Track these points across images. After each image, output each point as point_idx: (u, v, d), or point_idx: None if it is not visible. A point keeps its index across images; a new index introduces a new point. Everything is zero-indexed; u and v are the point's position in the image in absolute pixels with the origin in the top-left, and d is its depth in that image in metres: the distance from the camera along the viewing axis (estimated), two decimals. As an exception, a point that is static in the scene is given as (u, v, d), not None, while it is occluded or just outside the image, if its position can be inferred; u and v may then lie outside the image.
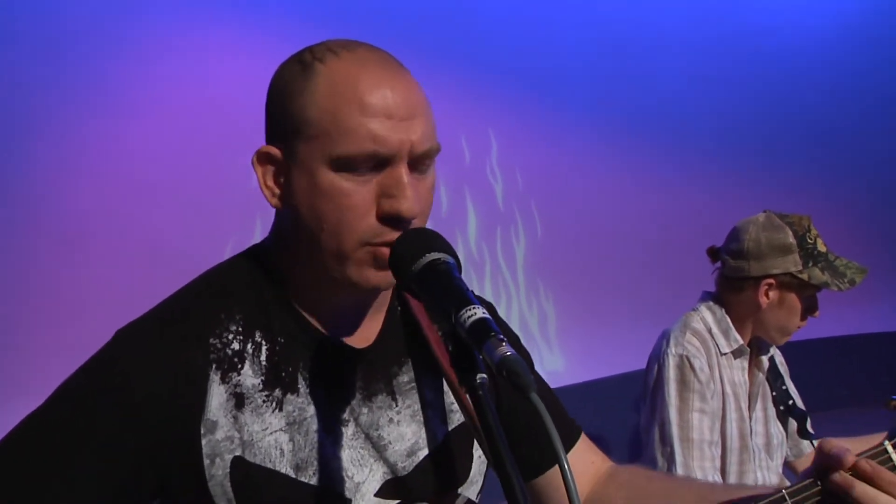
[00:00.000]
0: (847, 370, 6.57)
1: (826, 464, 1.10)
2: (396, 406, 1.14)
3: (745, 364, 2.39)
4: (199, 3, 4.39)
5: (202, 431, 1.02)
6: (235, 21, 4.46)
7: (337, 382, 1.10)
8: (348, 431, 1.09)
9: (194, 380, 1.03)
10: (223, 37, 4.38)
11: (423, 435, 1.15)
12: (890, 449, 1.11)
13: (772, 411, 2.43)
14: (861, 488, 1.07)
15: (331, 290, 1.07)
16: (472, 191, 5.48)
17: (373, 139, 0.99)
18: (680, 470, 2.18)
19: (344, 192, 1.00)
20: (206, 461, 1.02)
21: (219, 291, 1.09)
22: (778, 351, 2.52)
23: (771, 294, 2.29)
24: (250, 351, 1.07)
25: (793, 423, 2.46)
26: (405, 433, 1.14)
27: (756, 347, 2.40)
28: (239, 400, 1.04)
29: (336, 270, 1.04)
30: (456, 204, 5.35)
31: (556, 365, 5.55)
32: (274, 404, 1.06)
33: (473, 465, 1.19)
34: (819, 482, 1.10)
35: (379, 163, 1.00)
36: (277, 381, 1.07)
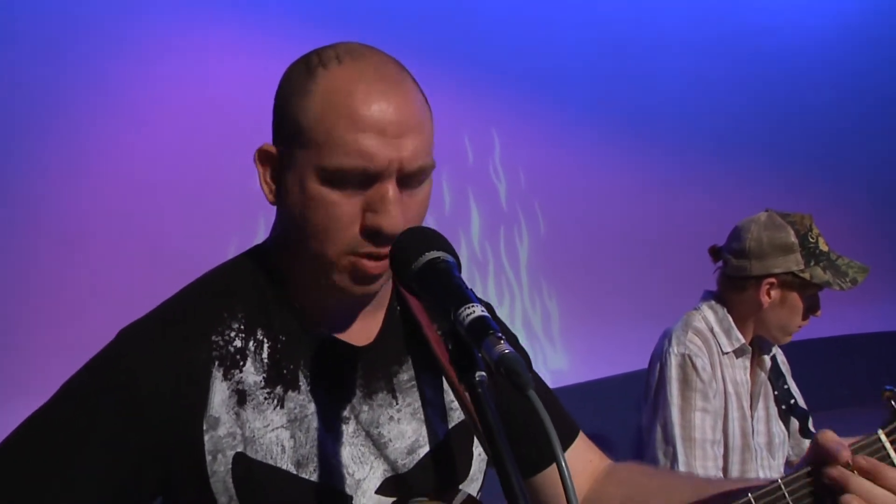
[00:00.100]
0: (849, 370, 6.57)
1: (821, 457, 1.10)
2: (396, 404, 1.14)
3: (747, 363, 2.39)
4: (199, 3, 4.39)
5: (204, 428, 1.03)
6: (235, 21, 4.45)
7: (337, 380, 1.11)
8: (349, 429, 1.10)
9: (197, 379, 1.03)
10: (223, 37, 4.38)
11: (424, 433, 1.15)
12: (884, 438, 1.11)
13: (774, 410, 2.43)
14: (857, 482, 1.07)
15: (328, 291, 1.08)
16: (475, 190, 5.49)
17: (361, 155, 0.99)
18: (682, 469, 2.18)
19: (330, 202, 1.01)
20: (209, 457, 1.03)
21: (221, 291, 1.10)
22: (780, 350, 2.52)
23: (773, 293, 2.29)
24: (252, 349, 1.07)
25: (795, 423, 2.46)
26: (405, 431, 1.14)
27: (758, 347, 2.40)
28: (241, 397, 1.05)
29: (322, 275, 1.05)
30: (459, 204, 5.36)
31: (559, 364, 5.55)
32: (275, 401, 1.07)
33: (473, 462, 1.20)
34: (814, 471, 1.10)
35: (367, 178, 1.00)
36: (279, 378, 1.07)
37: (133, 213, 3.98)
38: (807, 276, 2.25)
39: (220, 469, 1.03)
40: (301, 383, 1.08)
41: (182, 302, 1.10)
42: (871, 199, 7.31)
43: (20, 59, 3.73)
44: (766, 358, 2.41)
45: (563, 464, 0.76)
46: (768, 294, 2.29)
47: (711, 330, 2.33)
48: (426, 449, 1.15)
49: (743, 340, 2.33)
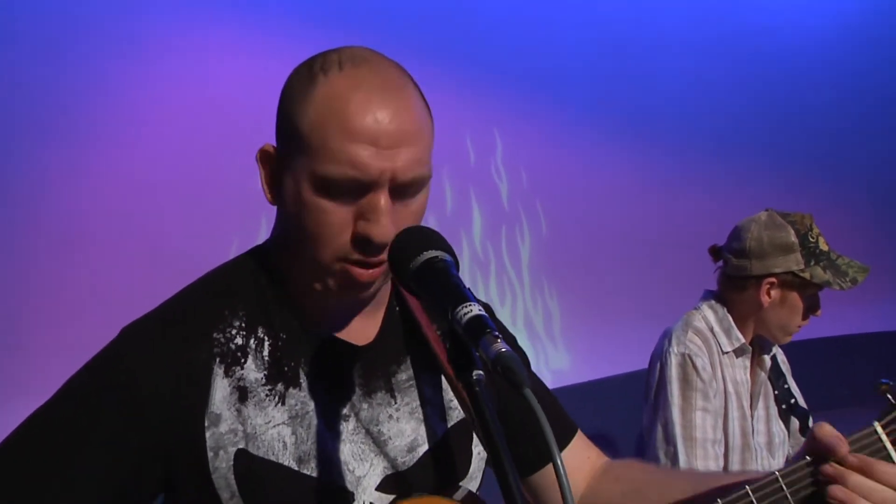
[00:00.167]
0: (849, 369, 6.56)
1: (819, 450, 1.11)
2: (395, 403, 1.15)
3: (747, 363, 2.39)
4: (199, 3, 4.38)
5: (206, 424, 1.03)
6: (235, 21, 4.45)
7: (337, 378, 1.12)
8: (349, 426, 1.11)
9: (198, 377, 1.04)
10: (223, 37, 4.38)
11: (422, 431, 1.16)
12: (880, 430, 1.11)
13: (774, 410, 2.43)
14: (855, 479, 1.08)
15: (324, 293, 1.08)
16: (476, 190, 5.49)
17: (353, 164, 0.99)
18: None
19: (323, 209, 1.01)
20: (210, 454, 1.03)
21: (223, 290, 1.11)
22: (780, 350, 2.52)
23: (773, 293, 2.29)
24: (253, 346, 1.08)
25: (795, 422, 2.46)
26: (405, 429, 1.15)
27: (758, 346, 2.40)
28: (242, 393, 1.06)
29: (316, 279, 1.06)
30: (461, 204, 5.35)
31: (560, 364, 5.55)
32: (276, 398, 1.07)
33: (473, 461, 1.20)
34: (811, 463, 1.11)
35: (359, 187, 1.00)
36: (280, 375, 1.08)
37: (133, 213, 3.97)
38: (807, 275, 2.25)
39: (221, 465, 1.03)
40: (301, 381, 1.09)
41: (183, 301, 1.11)
42: (871, 198, 7.31)
43: (20, 59, 3.73)
44: (767, 357, 2.41)
45: (559, 462, 0.76)
46: (768, 294, 2.29)
47: (711, 329, 2.34)
48: (425, 447, 1.16)
49: (743, 340, 2.33)
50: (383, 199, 1.00)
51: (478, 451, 1.21)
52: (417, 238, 0.97)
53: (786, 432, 2.45)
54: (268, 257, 1.13)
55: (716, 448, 2.24)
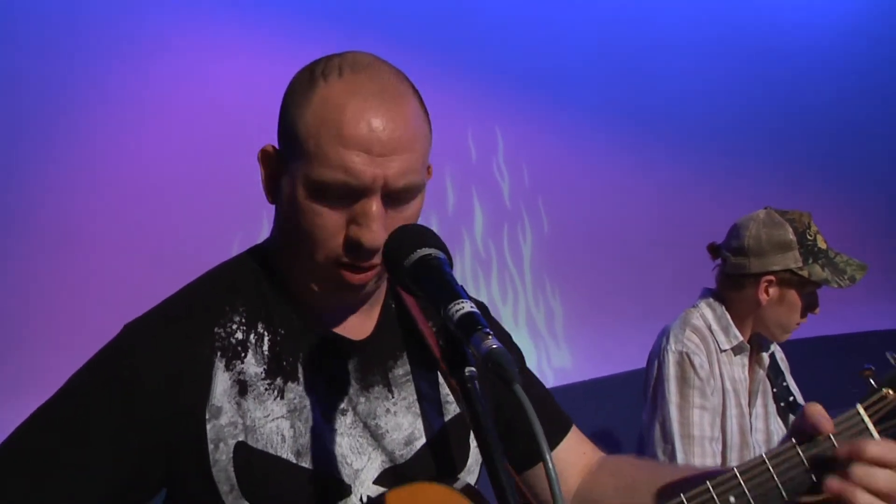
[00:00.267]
0: (849, 369, 6.56)
1: (805, 428, 1.12)
2: (392, 398, 1.16)
3: (746, 361, 2.39)
4: (199, 3, 4.39)
5: (207, 417, 1.05)
6: (235, 21, 4.46)
7: (335, 373, 1.13)
8: (347, 420, 1.12)
9: (200, 372, 1.06)
10: (223, 37, 4.38)
11: (419, 425, 1.17)
12: (862, 412, 1.14)
13: (772, 408, 2.44)
14: (860, 471, 1.07)
15: (321, 291, 1.10)
16: (478, 189, 5.49)
17: (345, 170, 1.01)
18: (681, 466, 2.19)
19: (316, 212, 1.03)
20: (211, 446, 1.05)
21: (224, 287, 1.13)
22: (779, 347, 2.52)
23: (771, 291, 2.30)
24: (253, 341, 1.10)
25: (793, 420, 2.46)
26: (402, 423, 1.16)
27: (756, 344, 2.40)
28: (242, 387, 1.07)
29: (311, 278, 1.08)
30: (463, 202, 5.35)
31: (563, 362, 5.55)
32: (275, 392, 1.09)
33: (470, 455, 1.21)
34: (797, 445, 1.11)
35: (351, 193, 1.02)
36: (279, 370, 1.10)
37: (134, 212, 3.98)
38: (805, 273, 2.26)
39: (221, 458, 1.05)
40: (300, 375, 1.11)
41: (186, 298, 1.13)
42: (873, 198, 7.31)
43: (20, 59, 3.74)
44: (765, 355, 2.41)
45: (548, 459, 0.77)
46: (767, 292, 2.30)
47: (709, 327, 2.34)
48: (423, 441, 1.17)
49: (741, 338, 2.34)
50: (375, 205, 1.02)
51: (475, 444, 1.22)
52: (411, 236, 0.99)
53: (784, 430, 2.46)
54: (267, 256, 1.16)
55: (713, 446, 2.24)
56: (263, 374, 1.09)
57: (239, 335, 1.09)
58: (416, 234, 0.99)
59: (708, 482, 1.11)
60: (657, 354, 2.33)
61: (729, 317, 2.35)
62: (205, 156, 4.20)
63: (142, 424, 1.03)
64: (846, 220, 6.31)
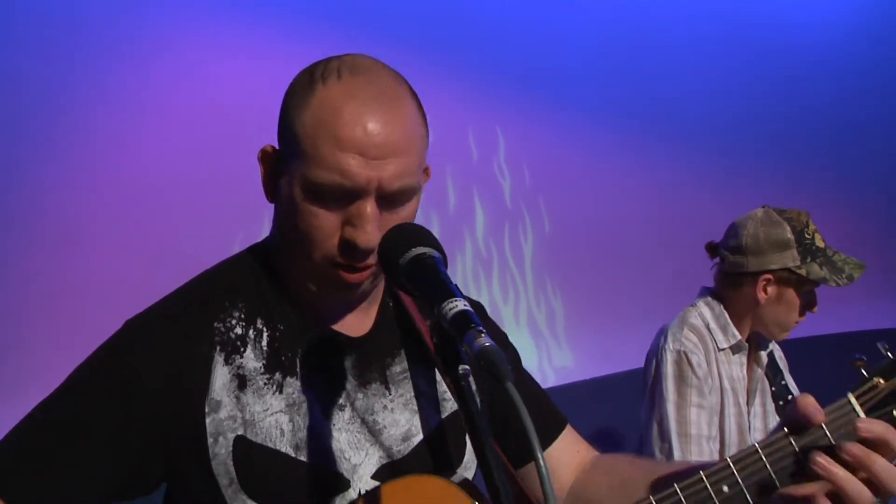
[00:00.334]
0: (848, 368, 6.55)
1: (797, 419, 1.11)
2: (389, 394, 1.17)
3: (744, 359, 2.39)
4: (199, 3, 4.39)
5: (206, 410, 1.06)
6: (235, 21, 4.46)
7: (333, 369, 1.14)
8: (345, 416, 1.13)
9: (199, 368, 1.07)
10: (223, 37, 4.38)
11: (417, 422, 1.18)
12: (853, 401, 1.16)
13: (771, 406, 2.44)
14: (880, 465, 1.04)
15: (318, 290, 1.12)
16: (479, 188, 5.49)
17: (341, 172, 1.02)
18: (679, 465, 2.19)
19: (312, 212, 1.05)
20: (210, 440, 1.06)
21: (223, 284, 1.15)
22: (777, 346, 2.52)
23: (769, 290, 2.30)
24: (252, 336, 1.11)
25: (792, 419, 2.46)
26: (399, 419, 1.17)
27: (755, 343, 2.40)
28: (241, 381, 1.09)
29: (308, 277, 1.10)
30: (464, 201, 5.36)
31: (564, 361, 5.56)
32: (274, 387, 1.10)
33: (467, 451, 1.22)
34: (789, 434, 1.11)
35: (346, 195, 1.04)
36: (278, 365, 1.11)
37: (134, 212, 3.98)
38: (803, 272, 2.26)
39: (221, 451, 1.06)
40: (299, 371, 1.12)
41: (186, 296, 1.14)
42: (873, 198, 7.31)
43: (20, 60, 3.74)
44: (763, 354, 2.41)
45: (540, 457, 0.77)
46: (765, 290, 2.30)
47: (707, 326, 2.34)
48: (420, 437, 1.18)
49: (739, 337, 2.34)
50: (369, 207, 1.04)
51: None
52: (406, 235, 1.00)
53: (783, 429, 2.46)
54: (267, 254, 1.17)
55: (710, 445, 2.24)
56: (262, 369, 1.10)
57: (238, 330, 1.11)
58: (411, 234, 1.00)
59: (701, 472, 1.12)
60: (655, 353, 2.33)
61: (727, 316, 2.35)
62: (205, 156, 4.21)
63: (141, 423, 1.04)
64: (846, 220, 6.31)
